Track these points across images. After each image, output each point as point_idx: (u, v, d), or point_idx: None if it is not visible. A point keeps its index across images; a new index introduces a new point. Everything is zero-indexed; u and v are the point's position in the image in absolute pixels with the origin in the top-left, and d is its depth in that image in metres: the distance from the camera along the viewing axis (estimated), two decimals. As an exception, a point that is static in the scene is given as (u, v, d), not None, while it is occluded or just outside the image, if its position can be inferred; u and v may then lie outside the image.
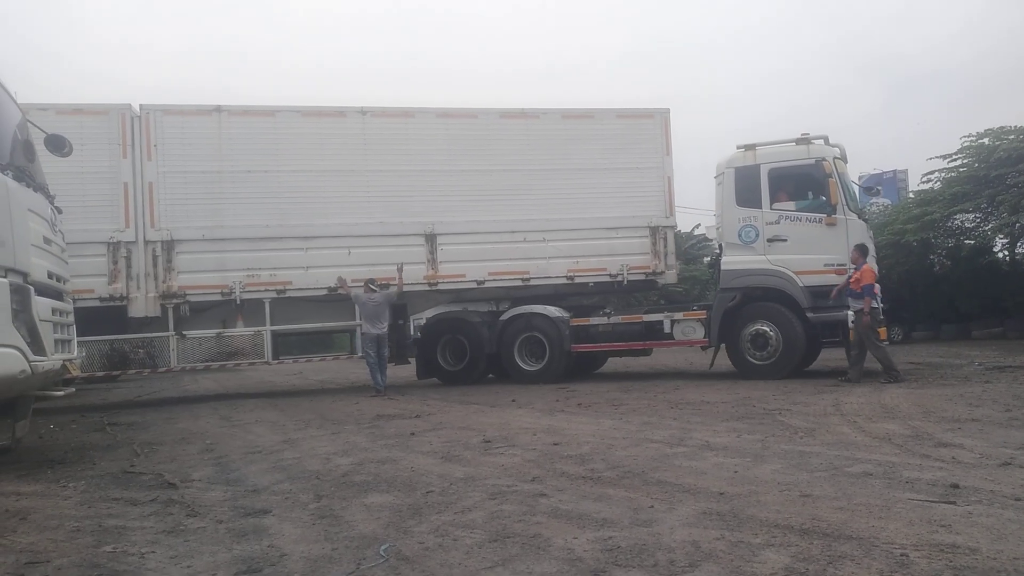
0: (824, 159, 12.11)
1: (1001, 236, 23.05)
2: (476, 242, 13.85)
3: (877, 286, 11.29)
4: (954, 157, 22.68)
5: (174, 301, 12.64)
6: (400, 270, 13.14)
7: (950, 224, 23.38)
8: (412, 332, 15.34)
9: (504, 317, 13.97)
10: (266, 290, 13.04)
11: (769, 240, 12.29)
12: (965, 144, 22.34)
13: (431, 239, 13.72)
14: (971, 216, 22.96)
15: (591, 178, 14.32)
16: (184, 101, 18.11)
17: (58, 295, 7.20)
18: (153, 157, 12.49)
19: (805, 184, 12.45)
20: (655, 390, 10.99)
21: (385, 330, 12.67)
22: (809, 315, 11.91)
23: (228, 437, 8.16)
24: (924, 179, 24.64)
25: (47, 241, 6.89)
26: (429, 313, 14.73)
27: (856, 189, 12.89)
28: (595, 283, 14.58)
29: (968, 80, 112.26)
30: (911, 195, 28.43)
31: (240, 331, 13.18)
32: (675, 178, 14.84)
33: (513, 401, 10.54)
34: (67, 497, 5.16)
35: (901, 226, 22.97)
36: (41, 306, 6.38)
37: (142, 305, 12.49)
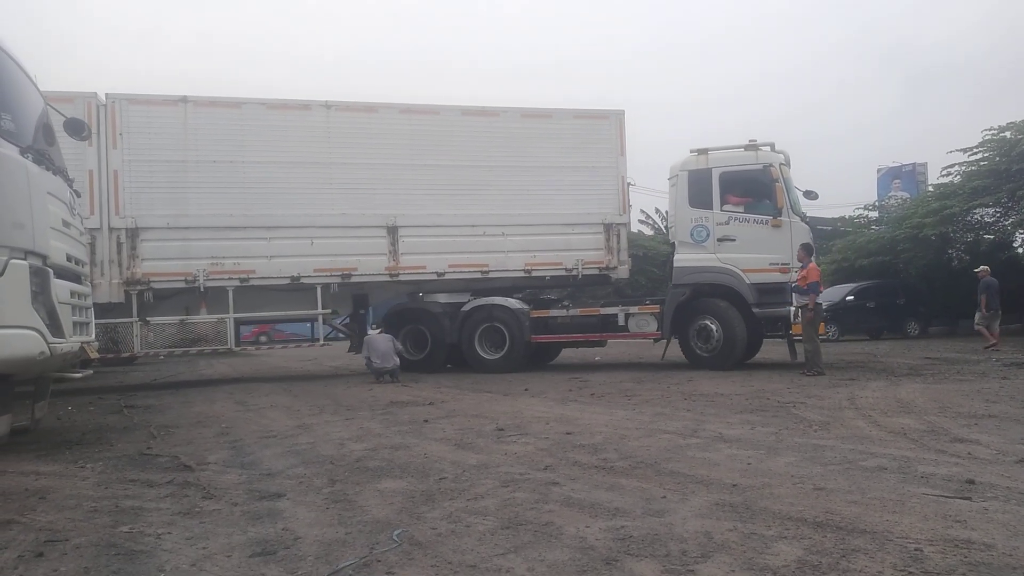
0: (771, 165, 12.90)
1: (1022, 231, 22.81)
2: (437, 235, 14.28)
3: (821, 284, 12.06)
4: (975, 150, 22.43)
5: (138, 288, 12.81)
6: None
7: (969, 218, 23.15)
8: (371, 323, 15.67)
9: (466, 308, 14.39)
10: (230, 278, 13.28)
11: (719, 240, 13.05)
12: (986, 137, 22.09)
13: (393, 231, 14.06)
14: (991, 211, 22.74)
15: (549, 175, 14.81)
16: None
17: (76, 278, 7.27)
18: (118, 145, 12.56)
19: (753, 188, 13.15)
20: (668, 381, 10.98)
21: (396, 363, 12.81)
22: (755, 310, 12.75)
23: (243, 421, 8.22)
24: (944, 172, 24.39)
25: (66, 224, 6.94)
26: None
27: (798, 193, 13.65)
28: (551, 277, 15.07)
29: (991, 72, 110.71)
30: (930, 188, 28.12)
31: (203, 318, 13.38)
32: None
33: (526, 390, 10.55)
34: (85, 478, 5.22)
35: (920, 220, 22.76)
36: (60, 289, 6.44)
37: (106, 291, 12.60)
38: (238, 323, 13.60)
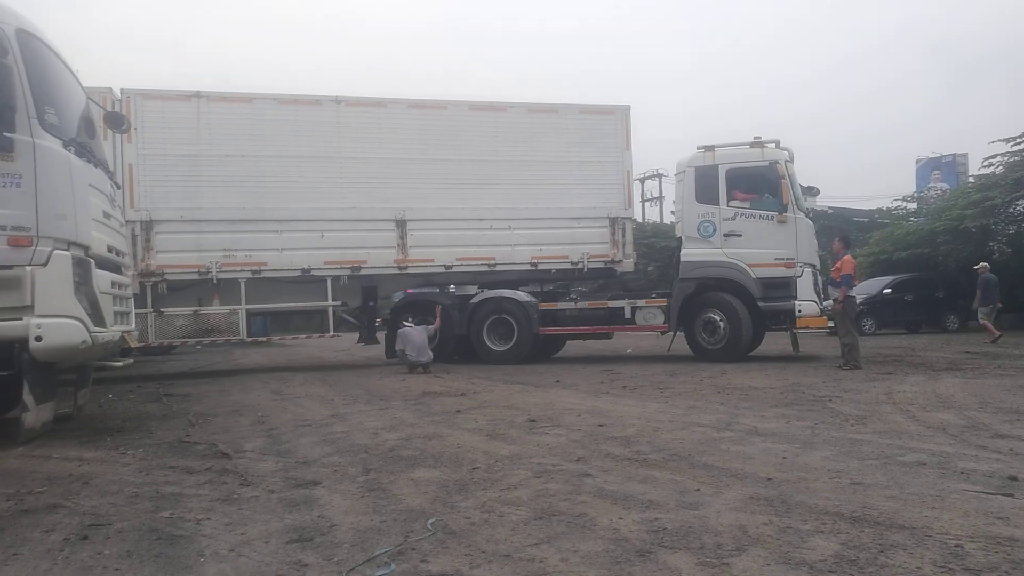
0: (777, 162, 13.12)
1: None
2: (445, 228, 14.48)
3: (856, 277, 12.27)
4: (1018, 140, 21.87)
5: (152, 279, 13.05)
6: (439, 313, 14.00)
7: (1012, 210, 22.60)
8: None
9: (474, 300, 14.58)
10: (242, 270, 13.51)
11: (725, 235, 13.31)
12: (1031, 127, 21.51)
13: (401, 224, 14.28)
14: (1035, 202, 22.18)
15: (555, 170, 15.08)
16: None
17: (117, 268, 7.42)
18: (133, 140, 12.71)
19: (759, 184, 13.38)
20: (701, 374, 10.90)
21: (429, 357, 12.92)
22: (760, 304, 13.04)
23: (279, 410, 8.34)
24: (985, 163, 23.84)
25: (107, 216, 7.09)
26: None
27: (800, 190, 13.95)
28: (557, 270, 15.34)
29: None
30: (971, 180, 27.51)
31: (216, 309, 13.59)
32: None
33: (557, 382, 10.55)
34: (126, 464, 5.33)
35: (960, 212, 22.29)
36: (101, 279, 6.59)
37: None
38: (250, 314, 13.83)
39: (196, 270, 13.27)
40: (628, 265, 15.60)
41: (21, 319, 5.87)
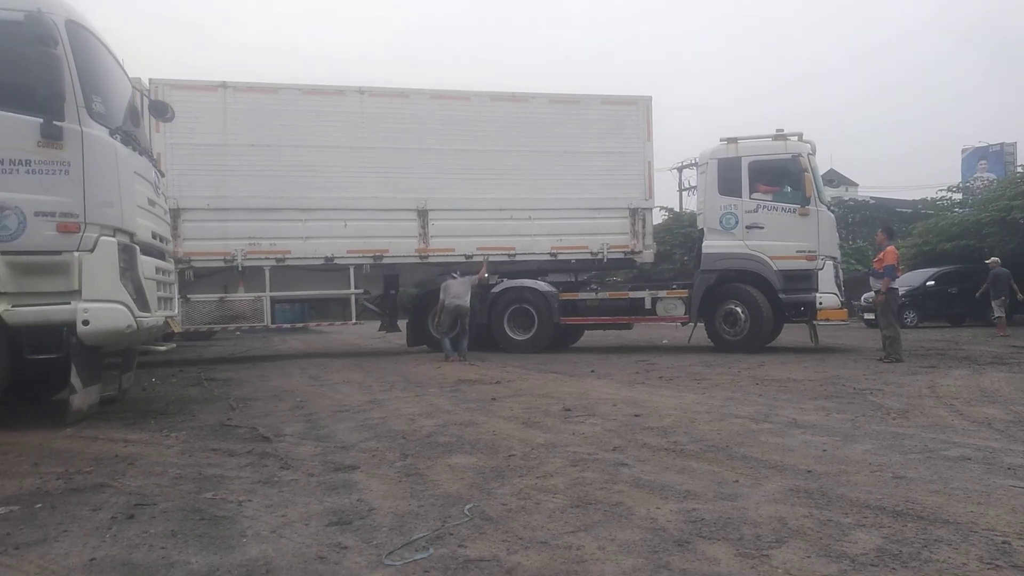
0: (800, 155, 13.20)
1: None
2: (466, 218, 14.60)
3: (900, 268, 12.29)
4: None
5: (179, 266, 13.16)
6: (484, 263, 13.97)
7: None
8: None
9: (495, 290, 14.65)
10: (266, 258, 13.73)
11: (747, 227, 13.39)
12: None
13: (423, 214, 14.43)
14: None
15: (576, 160, 15.15)
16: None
17: (161, 255, 7.57)
18: (161, 129, 12.83)
19: (782, 177, 13.52)
20: (739, 366, 10.80)
21: (465, 303, 12.92)
22: (781, 296, 13.14)
23: (317, 395, 8.45)
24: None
25: (151, 203, 7.23)
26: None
27: (822, 183, 14.18)
28: (577, 260, 15.37)
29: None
30: (1019, 169, 26.77)
31: (241, 296, 13.82)
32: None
33: (592, 372, 10.54)
34: (170, 446, 5.45)
35: (1008, 202, 21.75)
36: (146, 265, 6.72)
37: None
38: (274, 301, 14.03)
39: (222, 257, 13.51)
40: (648, 256, 15.71)
41: (69, 303, 6.02)
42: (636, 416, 6.43)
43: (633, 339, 17.79)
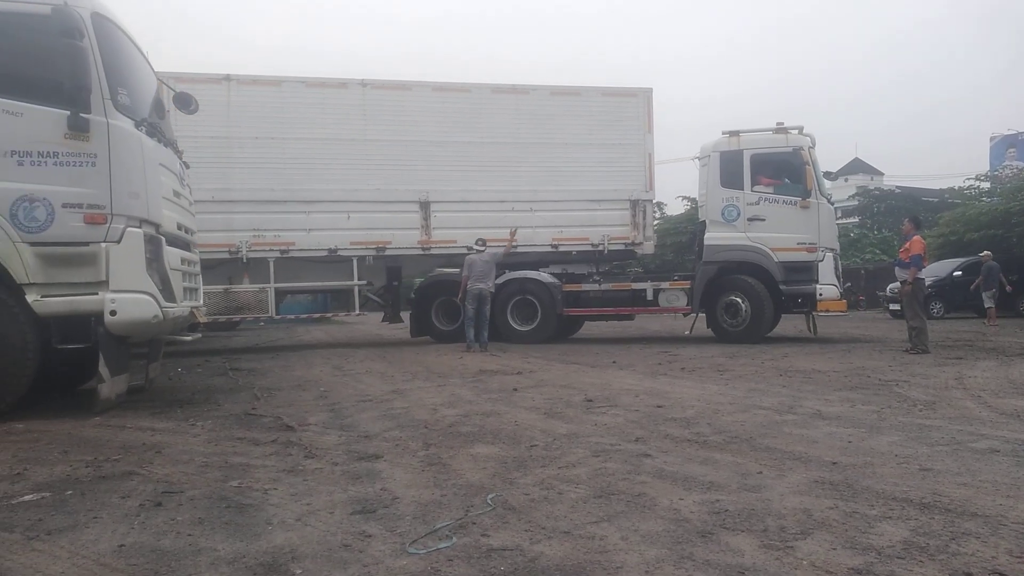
0: (801, 148, 13.41)
1: None
2: (467, 210, 14.67)
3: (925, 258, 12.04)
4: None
5: None
6: (513, 233, 13.94)
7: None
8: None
9: (498, 281, 14.48)
10: (270, 250, 13.85)
11: (749, 219, 13.57)
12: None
13: (425, 206, 14.55)
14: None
15: (576, 152, 15.21)
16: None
17: (186, 246, 7.63)
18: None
19: (783, 170, 13.69)
20: (762, 357, 10.73)
21: (490, 287, 13.02)
22: (782, 287, 13.34)
23: (340, 385, 8.50)
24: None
25: (176, 194, 7.29)
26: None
27: (822, 175, 14.30)
28: (578, 251, 15.42)
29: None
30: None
31: (246, 288, 13.93)
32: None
33: (613, 363, 10.51)
34: (196, 435, 5.51)
35: (1039, 192, 21.34)
36: (171, 256, 6.79)
37: None
38: (279, 292, 14.15)
39: (226, 249, 13.60)
40: (648, 247, 15.76)
41: (97, 294, 6.10)
42: (659, 407, 6.41)
43: (655, 330, 17.74)
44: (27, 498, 3.80)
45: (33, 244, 5.97)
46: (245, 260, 13.76)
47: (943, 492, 3.65)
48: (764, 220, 13.47)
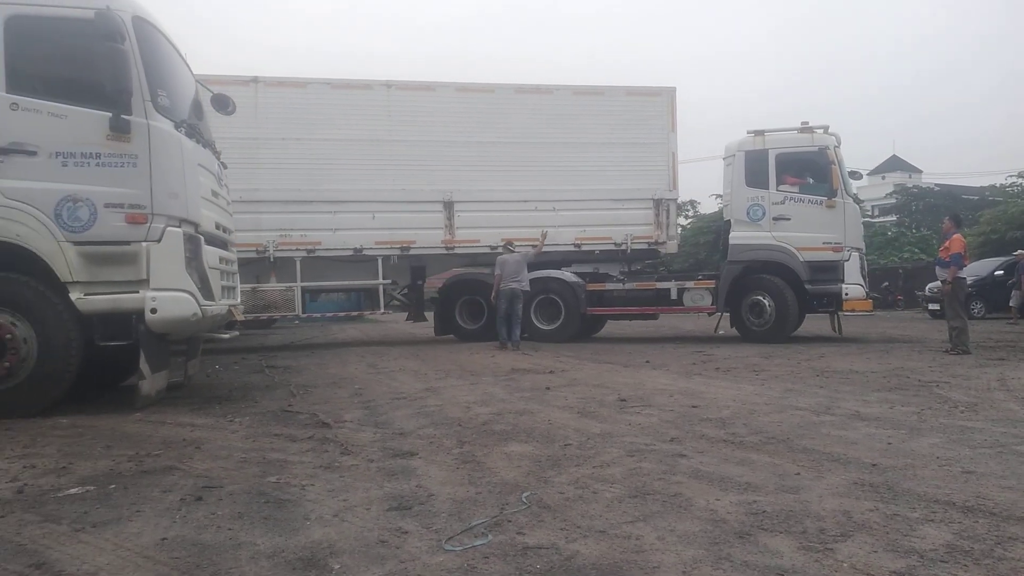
0: (827, 147, 13.34)
1: None
2: (490, 210, 14.71)
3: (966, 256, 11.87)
4: None
5: None
6: (544, 235, 13.94)
7: None
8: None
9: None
10: (297, 249, 13.99)
11: (774, 219, 13.54)
12: None
13: (449, 206, 14.61)
14: None
15: (600, 152, 15.12)
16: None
17: (224, 245, 7.75)
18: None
19: (808, 169, 13.67)
20: (798, 357, 10.60)
21: (524, 286, 13.06)
22: (807, 287, 13.27)
23: (375, 383, 8.57)
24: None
25: (214, 194, 7.40)
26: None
27: (847, 175, 14.16)
28: (600, 251, 15.36)
29: None
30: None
31: (273, 287, 14.06)
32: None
33: (647, 362, 10.45)
34: (234, 431, 5.60)
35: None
36: (210, 255, 6.89)
37: None
38: (305, 291, 14.29)
39: (254, 249, 13.70)
40: (672, 247, 15.70)
41: (138, 292, 6.22)
42: (693, 407, 6.37)
43: (688, 329, 17.61)
44: (73, 491, 3.89)
45: (77, 243, 6.10)
46: (272, 259, 13.93)
47: (987, 495, 3.58)
48: (789, 219, 13.42)
